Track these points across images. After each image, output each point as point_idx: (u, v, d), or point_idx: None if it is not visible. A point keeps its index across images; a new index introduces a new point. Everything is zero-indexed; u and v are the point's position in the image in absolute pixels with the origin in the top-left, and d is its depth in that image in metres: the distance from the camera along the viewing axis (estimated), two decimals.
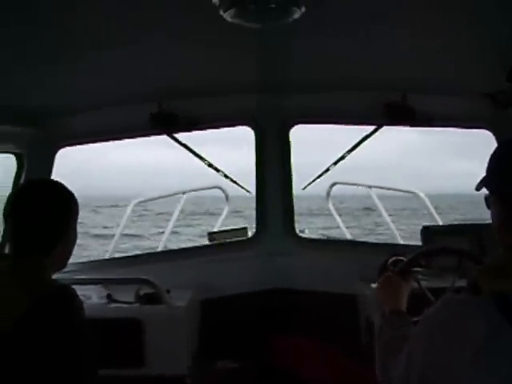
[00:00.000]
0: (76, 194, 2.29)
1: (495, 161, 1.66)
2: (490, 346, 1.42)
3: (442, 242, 3.41)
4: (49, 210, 2.19)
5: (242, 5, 1.83)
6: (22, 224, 2.16)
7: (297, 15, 1.92)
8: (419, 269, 2.78)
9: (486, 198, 1.67)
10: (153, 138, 4.29)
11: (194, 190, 6.36)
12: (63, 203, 2.25)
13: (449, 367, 1.48)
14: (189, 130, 4.10)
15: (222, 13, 1.88)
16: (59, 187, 2.28)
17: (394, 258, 3.53)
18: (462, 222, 4.20)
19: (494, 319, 1.43)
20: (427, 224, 3.84)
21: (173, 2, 1.98)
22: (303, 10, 1.90)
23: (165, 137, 4.17)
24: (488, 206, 1.67)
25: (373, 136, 4.16)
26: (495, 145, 3.77)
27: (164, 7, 2.01)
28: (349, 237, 6.23)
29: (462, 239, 3.45)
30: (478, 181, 1.69)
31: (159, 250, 5.49)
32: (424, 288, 2.78)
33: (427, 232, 3.58)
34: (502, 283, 1.48)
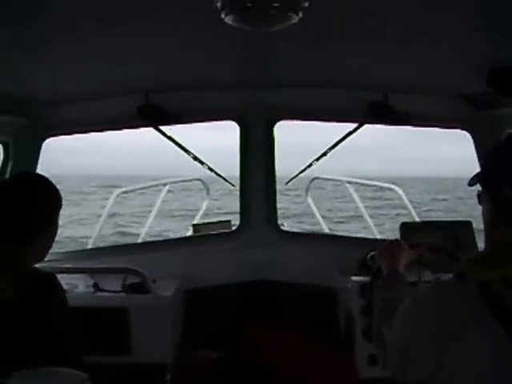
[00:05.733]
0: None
1: (490, 160, 1.75)
2: (470, 328, 1.53)
3: (420, 238, 3.54)
4: (37, 202, 2.28)
5: (243, 10, 1.91)
6: (9, 214, 2.24)
7: (294, 20, 2.00)
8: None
9: (479, 195, 1.76)
10: None
11: (175, 182, 6.44)
12: (51, 196, 2.36)
13: (430, 344, 1.60)
14: (175, 123, 4.15)
15: (222, 16, 1.95)
16: (46, 181, 2.38)
17: (373, 253, 3.66)
18: (439, 219, 4.33)
19: (475, 304, 1.54)
20: (405, 221, 3.97)
21: None
22: (300, 15, 1.99)
23: None
24: (480, 202, 1.77)
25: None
26: (472, 146, 3.97)
27: (154, 2, 2.05)
28: (327, 231, 6.35)
29: (438, 235, 3.59)
30: (472, 176, 1.79)
31: (140, 240, 5.55)
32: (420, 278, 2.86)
33: (405, 228, 3.70)
34: (484, 272, 1.59)
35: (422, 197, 39.70)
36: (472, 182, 1.79)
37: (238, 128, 4.31)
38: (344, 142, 4.35)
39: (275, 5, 1.90)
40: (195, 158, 4.43)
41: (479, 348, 1.52)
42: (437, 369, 1.57)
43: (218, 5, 1.92)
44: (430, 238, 3.54)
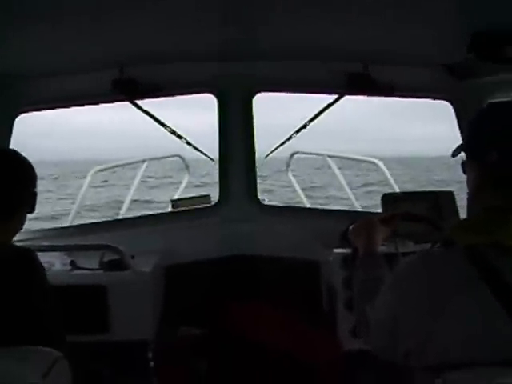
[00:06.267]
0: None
1: (473, 128, 1.78)
2: (459, 293, 1.55)
3: (402, 208, 3.52)
4: (16, 177, 2.28)
5: None
6: None
7: None
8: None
9: (463, 164, 1.80)
10: None
11: (154, 159, 6.37)
12: (27, 172, 2.35)
13: (419, 314, 1.61)
14: (151, 96, 4.06)
15: None
16: (22, 157, 2.36)
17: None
18: (421, 190, 4.34)
19: (463, 269, 1.56)
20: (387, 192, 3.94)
21: None
22: None
23: None
24: (464, 172, 1.80)
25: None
26: (453, 115, 3.96)
27: None
28: (308, 206, 6.31)
29: (420, 205, 3.57)
30: (455, 147, 1.82)
31: (120, 217, 5.49)
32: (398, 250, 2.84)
33: (387, 199, 3.68)
34: (472, 237, 1.62)
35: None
36: (456, 152, 1.83)
37: (216, 102, 4.23)
38: (324, 125, 4.30)
39: None
40: (173, 132, 4.35)
41: (468, 312, 1.53)
42: (427, 336, 1.57)
43: None
44: (412, 209, 3.53)
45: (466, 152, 1.78)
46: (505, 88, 3.78)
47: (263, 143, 4.59)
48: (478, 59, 3.07)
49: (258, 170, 4.29)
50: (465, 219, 1.79)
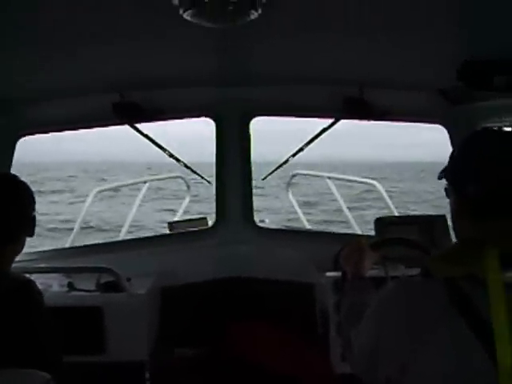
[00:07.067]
0: None
1: (454, 156, 1.78)
2: (436, 324, 1.54)
3: (395, 232, 3.55)
4: (16, 203, 2.29)
5: (201, 6, 1.90)
6: None
7: (253, 16, 2.00)
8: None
9: (446, 188, 1.80)
10: None
11: (156, 180, 6.44)
12: (27, 197, 2.36)
13: (397, 342, 1.61)
14: (150, 120, 4.14)
15: (181, 12, 1.94)
16: (21, 182, 2.38)
17: None
18: (415, 214, 4.35)
19: (441, 300, 1.56)
20: (380, 216, 3.96)
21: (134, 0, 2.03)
22: (260, 11, 1.98)
23: None
24: (447, 196, 1.80)
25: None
26: (448, 139, 3.99)
27: (126, 4, 2.06)
28: (308, 227, 6.33)
29: (413, 230, 3.60)
30: (441, 170, 1.82)
31: (120, 238, 5.53)
32: (388, 274, 2.88)
33: (380, 223, 3.71)
34: (449, 269, 1.61)
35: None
36: (440, 175, 1.82)
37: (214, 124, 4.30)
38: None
39: (233, 0, 1.89)
40: (171, 156, 4.42)
41: (445, 345, 1.52)
42: (405, 366, 1.57)
43: (176, 1, 1.91)
44: (404, 233, 3.55)
45: (446, 178, 1.78)
46: (499, 113, 3.80)
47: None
48: (467, 87, 3.11)
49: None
50: (443, 250, 1.79)
